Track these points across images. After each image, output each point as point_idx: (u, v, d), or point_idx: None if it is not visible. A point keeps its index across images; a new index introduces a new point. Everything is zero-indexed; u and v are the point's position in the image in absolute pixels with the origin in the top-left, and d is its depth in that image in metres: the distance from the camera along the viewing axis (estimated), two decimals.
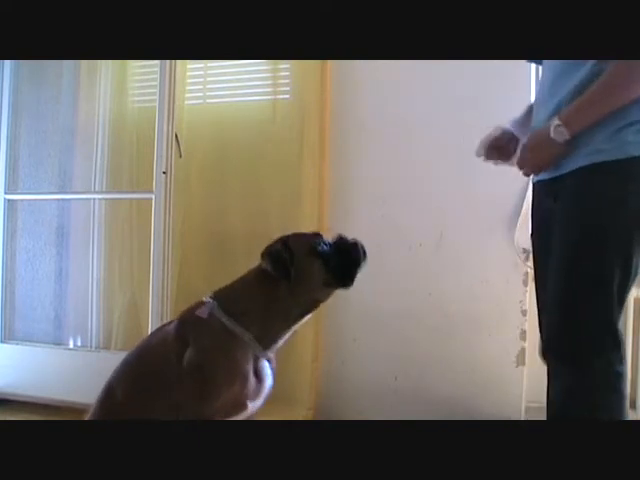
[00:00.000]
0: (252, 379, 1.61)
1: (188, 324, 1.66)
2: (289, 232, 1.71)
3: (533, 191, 1.81)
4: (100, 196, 3.13)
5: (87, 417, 1.68)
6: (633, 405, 2.47)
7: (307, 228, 2.82)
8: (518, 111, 2.67)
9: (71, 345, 3.14)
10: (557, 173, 1.60)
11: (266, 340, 1.64)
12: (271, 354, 1.68)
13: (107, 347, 3.01)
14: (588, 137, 1.51)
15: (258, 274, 1.67)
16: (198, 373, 1.57)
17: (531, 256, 2.56)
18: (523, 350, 2.57)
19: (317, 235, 1.70)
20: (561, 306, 1.56)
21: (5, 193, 3.15)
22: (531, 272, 2.58)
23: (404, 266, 2.77)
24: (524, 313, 2.58)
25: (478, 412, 2.55)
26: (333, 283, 1.66)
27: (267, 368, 1.67)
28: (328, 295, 1.70)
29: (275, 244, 1.67)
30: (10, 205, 3.17)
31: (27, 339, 3.11)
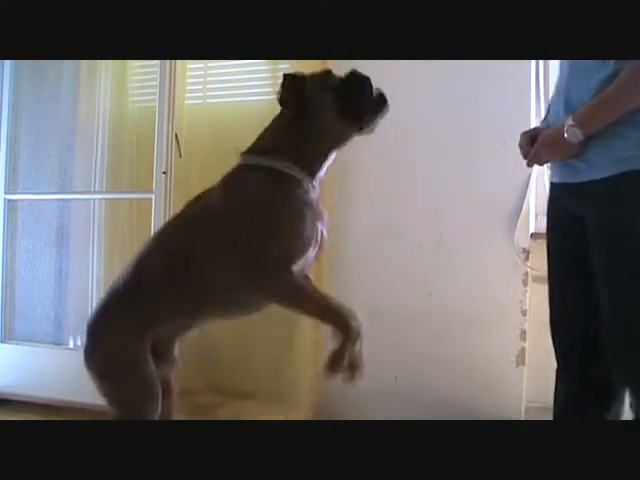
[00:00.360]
0: (307, 211, 1.59)
1: (231, 181, 1.64)
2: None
3: (552, 190, 1.78)
4: (100, 196, 3.13)
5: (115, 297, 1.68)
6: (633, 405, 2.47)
7: None
8: (518, 111, 2.67)
9: (71, 345, 3.14)
10: (586, 178, 1.58)
11: (306, 168, 1.62)
12: (315, 185, 1.65)
13: None
14: (620, 141, 1.49)
15: (280, 119, 1.65)
16: (255, 217, 1.55)
17: (531, 256, 2.58)
18: (523, 350, 2.57)
19: (327, 71, 1.66)
20: (623, 312, 1.55)
21: (5, 193, 3.15)
22: (531, 272, 2.58)
23: (404, 266, 2.77)
24: (524, 313, 2.58)
25: (478, 412, 2.55)
26: (346, 113, 1.61)
27: (317, 205, 1.64)
28: (347, 130, 1.65)
29: (287, 86, 1.62)
30: (10, 205, 3.17)
31: (27, 339, 3.11)
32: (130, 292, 1.67)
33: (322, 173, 1.67)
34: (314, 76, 1.65)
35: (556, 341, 1.72)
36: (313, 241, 1.60)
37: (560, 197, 1.72)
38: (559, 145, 1.55)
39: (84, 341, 1.71)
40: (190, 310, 1.68)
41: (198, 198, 1.70)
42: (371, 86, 1.65)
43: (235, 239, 1.56)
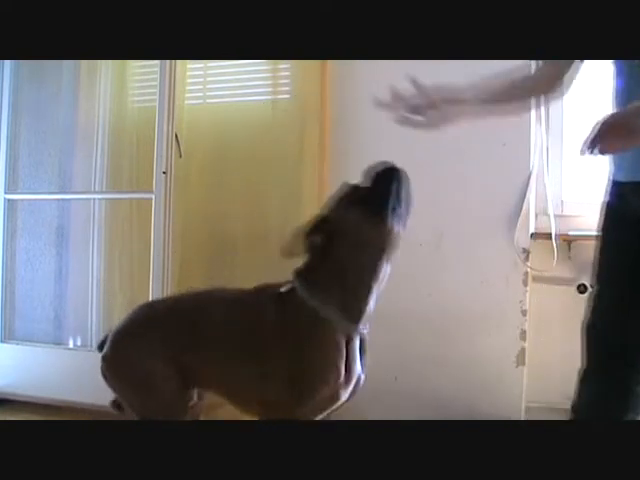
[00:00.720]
0: (343, 368, 1.57)
1: (273, 301, 1.63)
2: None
3: (617, 189, 1.64)
4: (100, 196, 3.13)
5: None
6: None
7: None
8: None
9: (71, 345, 3.14)
10: None
11: (352, 309, 1.60)
12: (363, 329, 1.63)
13: None
14: None
15: (321, 245, 1.62)
16: (289, 372, 1.56)
17: (531, 256, 2.58)
18: (523, 350, 2.57)
19: (354, 187, 1.65)
20: None
21: (5, 193, 3.15)
22: (531, 272, 2.58)
23: (404, 266, 2.76)
24: (524, 313, 2.58)
25: (478, 412, 2.55)
26: (370, 215, 1.60)
27: (356, 351, 1.62)
28: (382, 235, 1.64)
29: (309, 227, 1.62)
30: (10, 205, 3.17)
31: (27, 339, 3.11)
32: (170, 324, 1.70)
33: (368, 313, 1.65)
34: (339, 199, 1.64)
35: (593, 343, 1.66)
36: (344, 387, 1.60)
37: (626, 197, 1.58)
38: (632, 127, 1.33)
39: (106, 348, 1.77)
40: (211, 384, 1.73)
41: (261, 291, 1.70)
42: (394, 172, 1.66)
43: (274, 364, 1.57)
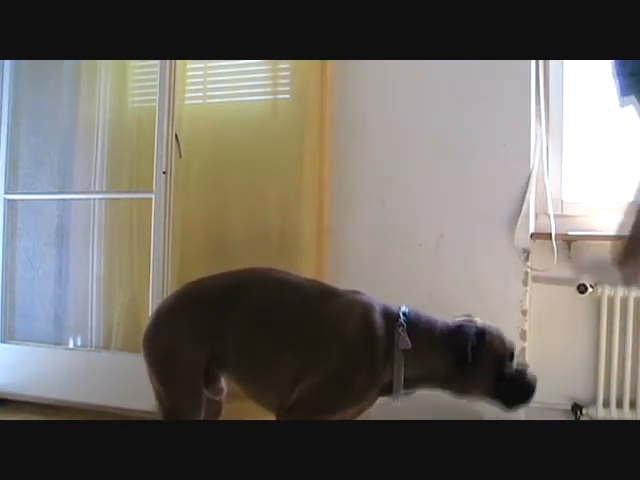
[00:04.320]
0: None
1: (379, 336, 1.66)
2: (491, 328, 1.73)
3: None
4: (100, 196, 3.12)
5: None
6: (633, 405, 2.47)
7: (307, 228, 2.82)
8: (518, 111, 2.67)
9: (71, 345, 3.14)
10: None
11: (407, 386, 1.68)
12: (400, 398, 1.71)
13: (107, 347, 3.00)
14: None
15: (444, 339, 1.68)
16: (339, 377, 1.61)
17: (531, 256, 2.57)
18: (523, 350, 2.57)
19: (511, 352, 1.71)
20: None
21: (5, 193, 3.15)
22: (531, 272, 2.58)
23: (404, 266, 2.76)
24: (524, 313, 2.58)
25: (478, 412, 2.55)
26: (494, 400, 1.68)
27: None
28: (479, 399, 1.71)
29: (472, 331, 1.67)
30: (10, 205, 3.16)
31: (27, 339, 3.11)
32: (213, 311, 1.73)
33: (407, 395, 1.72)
34: (498, 345, 1.68)
35: None
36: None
37: None
38: None
39: (149, 321, 1.80)
40: (241, 377, 1.76)
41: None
42: (533, 388, 1.70)
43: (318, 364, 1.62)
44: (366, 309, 1.69)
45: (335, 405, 1.60)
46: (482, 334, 1.66)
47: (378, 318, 1.67)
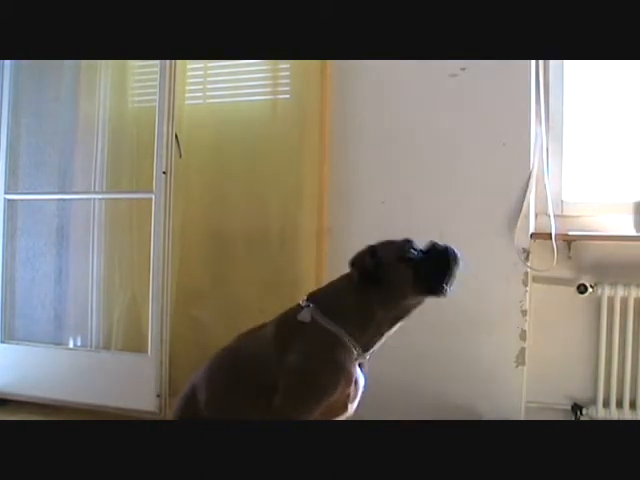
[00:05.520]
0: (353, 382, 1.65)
1: (288, 328, 1.67)
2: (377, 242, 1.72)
3: None
4: (100, 196, 3.12)
5: (172, 416, 1.73)
6: (633, 405, 2.47)
7: (307, 228, 2.83)
8: (518, 111, 2.67)
9: (71, 345, 3.14)
10: None
11: (362, 344, 1.66)
12: (366, 357, 1.70)
13: (107, 347, 3.00)
14: None
15: (350, 280, 1.68)
16: (303, 376, 1.60)
17: (531, 256, 2.57)
18: (523, 350, 2.57)
19: (407, 241, 1.70)
20: None
21: (5, 193, 3.15)
22: (531, 272, 2.58)
23: None
24: (524, 313, 2.58)
25: (478, 412, 2.55)
26: (423, 290, 1.67)
27: (360, 372, 1.70)
28: (419, 302, 1.70)
29: (362, 252, 1.68)
30: (10, 205, 3.16)
31: (27, 339, 3.11)
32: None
33: (374, 349, 1.71)
34: (391, 248, 1.68)
35: None
36: (350, 406, 1.68)
37: None
38: None
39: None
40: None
41: (250, 333, 1.76)
42: (454, 256, 1.70)
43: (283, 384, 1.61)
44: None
45: (310, 401, 1.59)
46: (369, 247, 1.68)
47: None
